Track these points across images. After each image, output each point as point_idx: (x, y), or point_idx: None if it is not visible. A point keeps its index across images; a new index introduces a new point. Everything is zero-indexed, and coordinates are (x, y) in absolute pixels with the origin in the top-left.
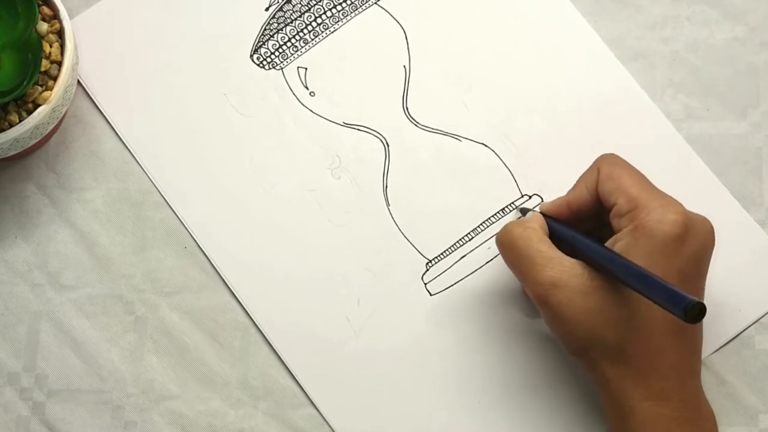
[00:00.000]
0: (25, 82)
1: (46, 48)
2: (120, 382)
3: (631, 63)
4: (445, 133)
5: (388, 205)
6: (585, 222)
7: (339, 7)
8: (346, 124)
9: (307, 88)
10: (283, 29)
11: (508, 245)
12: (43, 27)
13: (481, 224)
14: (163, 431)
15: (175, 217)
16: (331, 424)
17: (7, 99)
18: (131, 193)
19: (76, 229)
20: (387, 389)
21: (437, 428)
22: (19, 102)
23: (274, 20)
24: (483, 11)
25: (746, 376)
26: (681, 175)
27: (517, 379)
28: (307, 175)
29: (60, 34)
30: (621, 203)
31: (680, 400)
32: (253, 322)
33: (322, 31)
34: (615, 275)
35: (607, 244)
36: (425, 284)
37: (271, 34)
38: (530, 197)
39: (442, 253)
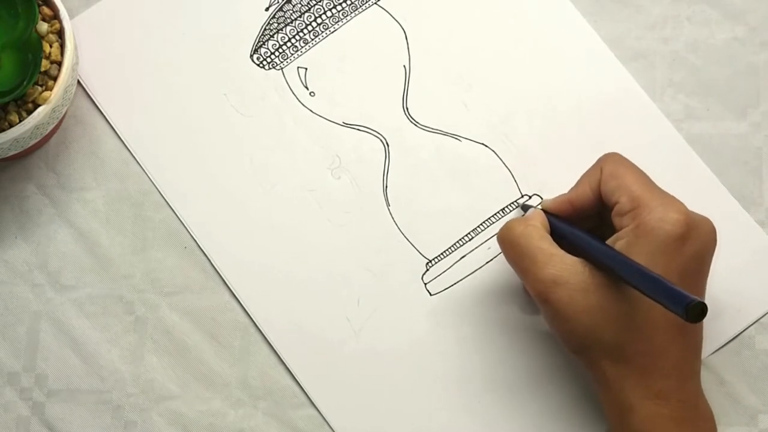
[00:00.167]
0: (25, 82)
1: (46, 48)
2: (120, 382)
3: (631, 63)
4: (445, 133)
5: (388, 205)
6: (586, 220)
7: (339, 7)
8: (346, 124)
9: (307, 88)
10: (283, 29)
11: (509, 242)
12: (43, 27)
13: (481, 224)
14: (163, 431)
15: (175, 217)
16: (331, 424)
17: (7, 99)
18: (131, 193)
19: (76, 229)
20: (387, 389)
21: (437, 428)
22: (19, 102)
23: (274, 20)
24: (483, 11)
25: (746, 376)
26: (681, 175)
27: (517, 378)
28: (307, 175)
29: (60, 34)
30: (623, 202)
31: (680, 400)
32: (253, 322)
33: (322, 31)
34: (616, 273)
35: (609, 242)
36: (425, 284)
37: (271, 34)
38: (530, 197)
39: (442, 253)
